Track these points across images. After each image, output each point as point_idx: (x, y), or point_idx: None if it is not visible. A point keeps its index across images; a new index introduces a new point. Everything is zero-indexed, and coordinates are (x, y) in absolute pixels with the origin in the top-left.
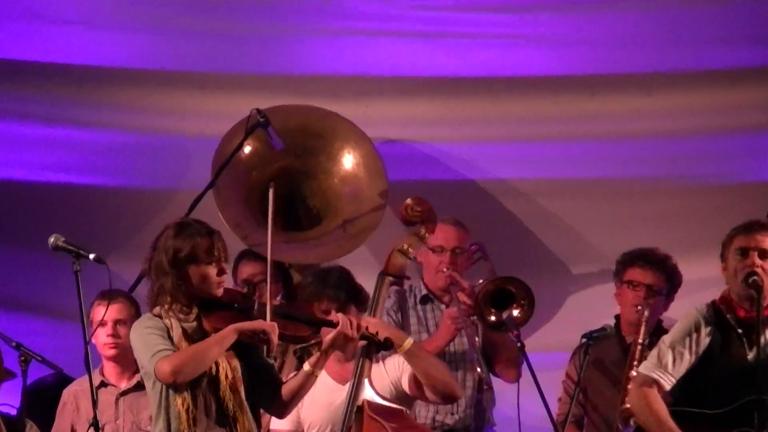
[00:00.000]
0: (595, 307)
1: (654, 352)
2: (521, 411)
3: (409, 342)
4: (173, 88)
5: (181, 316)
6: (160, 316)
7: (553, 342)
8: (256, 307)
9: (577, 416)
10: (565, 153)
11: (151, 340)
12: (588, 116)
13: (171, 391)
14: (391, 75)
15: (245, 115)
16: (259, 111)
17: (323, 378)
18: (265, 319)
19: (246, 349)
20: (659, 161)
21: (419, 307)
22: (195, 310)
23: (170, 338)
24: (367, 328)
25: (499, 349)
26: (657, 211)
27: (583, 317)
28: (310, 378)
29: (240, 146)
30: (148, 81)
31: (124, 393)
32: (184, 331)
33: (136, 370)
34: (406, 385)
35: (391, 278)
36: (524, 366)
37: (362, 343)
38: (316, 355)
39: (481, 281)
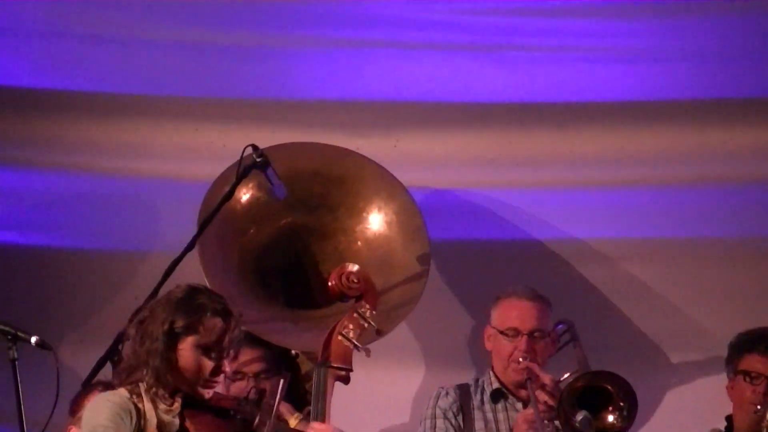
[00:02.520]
0: (700, 404)
1: None
2: None
3: None
4: (140, 118)
5: (162, 405)
6: (131, 395)
7: None
8: (257, 419)
9: None
10: (662, 204)
11: None
12: (692, 155)
13: None
14: (427, 100)
15: (236, 152)
16: (255, 148)
17: None
18: None
19: None
20: None
21: (488, 405)
22: (178, 404)
23: (140, 428)
24: None
25: None
26: None
27: (684, 418)
28: None
29: (231, 194)
30: (104, 108)
31: None
32: (161, 423)
33: None
34: None
35: (335, 370)
36: None
37: None
38: None
39: (567, 375)
